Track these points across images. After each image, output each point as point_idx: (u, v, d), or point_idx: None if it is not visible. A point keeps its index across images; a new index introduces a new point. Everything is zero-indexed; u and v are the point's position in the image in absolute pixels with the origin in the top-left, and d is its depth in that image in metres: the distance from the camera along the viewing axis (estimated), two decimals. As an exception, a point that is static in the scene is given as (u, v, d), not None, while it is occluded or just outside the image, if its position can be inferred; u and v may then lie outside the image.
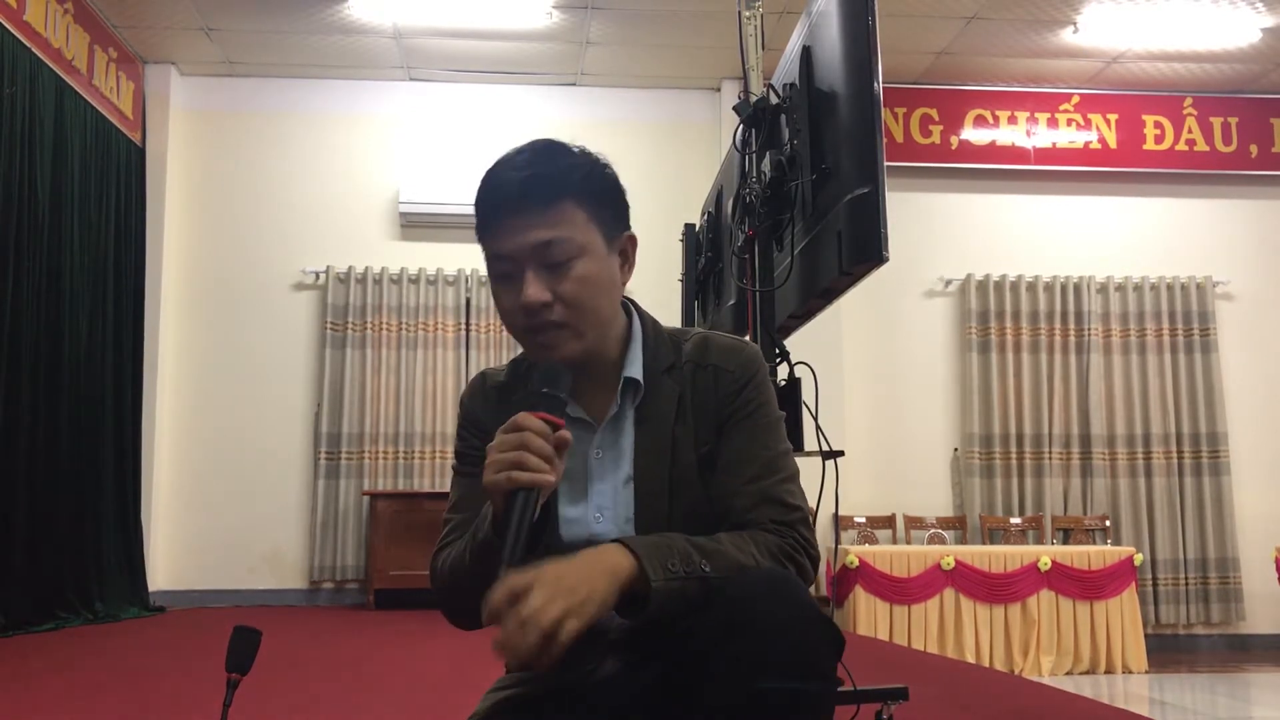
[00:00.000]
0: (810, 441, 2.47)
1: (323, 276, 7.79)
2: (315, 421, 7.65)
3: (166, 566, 7.44)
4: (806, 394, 2.52)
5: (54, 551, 6.04)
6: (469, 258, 7.67)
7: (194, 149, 7.88)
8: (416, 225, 7.78)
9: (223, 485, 7.58)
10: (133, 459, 7.07)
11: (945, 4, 6.88)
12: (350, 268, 7.75)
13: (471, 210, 1.52)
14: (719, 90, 7.98)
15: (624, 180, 1.54)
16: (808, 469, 2.57)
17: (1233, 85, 8.20)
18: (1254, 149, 8.32)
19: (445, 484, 7.51)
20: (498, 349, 7.72)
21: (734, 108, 2.78)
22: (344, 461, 7.53)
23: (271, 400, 7.69)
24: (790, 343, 2.68)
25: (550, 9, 6.91)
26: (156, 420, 7.37)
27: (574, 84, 8.03)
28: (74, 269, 6.44)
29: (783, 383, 2.57)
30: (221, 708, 1.88)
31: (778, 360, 2.62)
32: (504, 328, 1.64)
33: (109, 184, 6.96)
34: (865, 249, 2.22)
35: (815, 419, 2.50)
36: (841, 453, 2.45)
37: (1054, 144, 8.24)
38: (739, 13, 2.82)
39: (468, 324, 7.77)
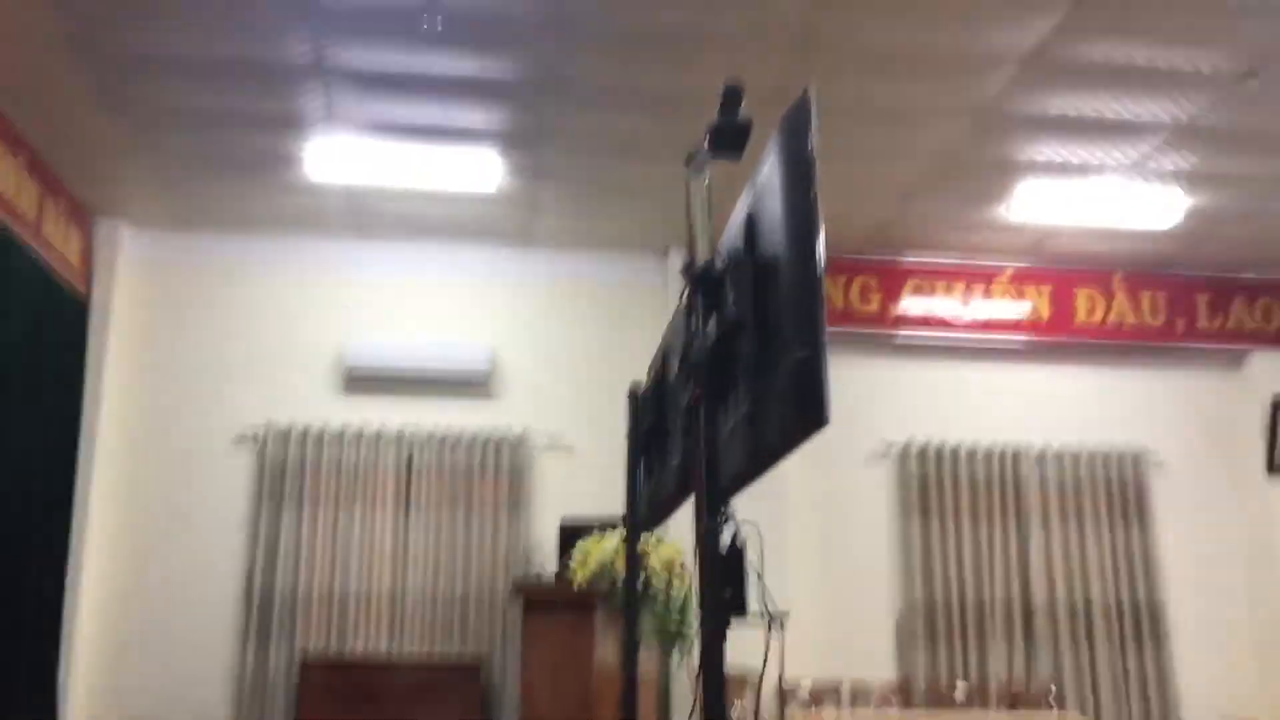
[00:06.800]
0: (755, 604, 2.44)
1: (263, 432, 7.69)
2: (248, 579, 7.44)
3: (81, 733, 7.08)
4: (752, 556, 2.50)
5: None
6: (412, 415, 7.63)
7: (140, 300, 7.85)
8: (360, 380, 7.73)
9: (148, 645, 7.29)
10: (52, 617, 6.79)
11: (883, 179, 7.12)
12: (291, 424, 7.67)
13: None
14: (666, 254, 8.13)
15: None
16: (754, 634, 2.54)
17: (1159, 262, 8.49)
18: (1180, 324, 8.59)
19: (380, 645, 7.30)
20: (437, 509, 7.61)
21: (680, 271, 2.84)
22: (276, 621, 7.30)
23: (204, 556, 7.48)
24: (734, 504, 2.66)
25: (501, 175, 7.06)
26: (83, 578, 7.11)
27: (526, 245, 8.15)
28: (10, 415, 6.30)
29: (725, 549, 2.54)
30: None
31: (723, 521, 2.60)
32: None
33: (50, 332, 6.88)
34: (808, 411, 2.23)
35: (761, 581, 2.48)
36: (786, 613, 2.42)
37: (989, 316, 8.45)
38: (686, 182, 2.90)
39: (408, 484, 7.67)
